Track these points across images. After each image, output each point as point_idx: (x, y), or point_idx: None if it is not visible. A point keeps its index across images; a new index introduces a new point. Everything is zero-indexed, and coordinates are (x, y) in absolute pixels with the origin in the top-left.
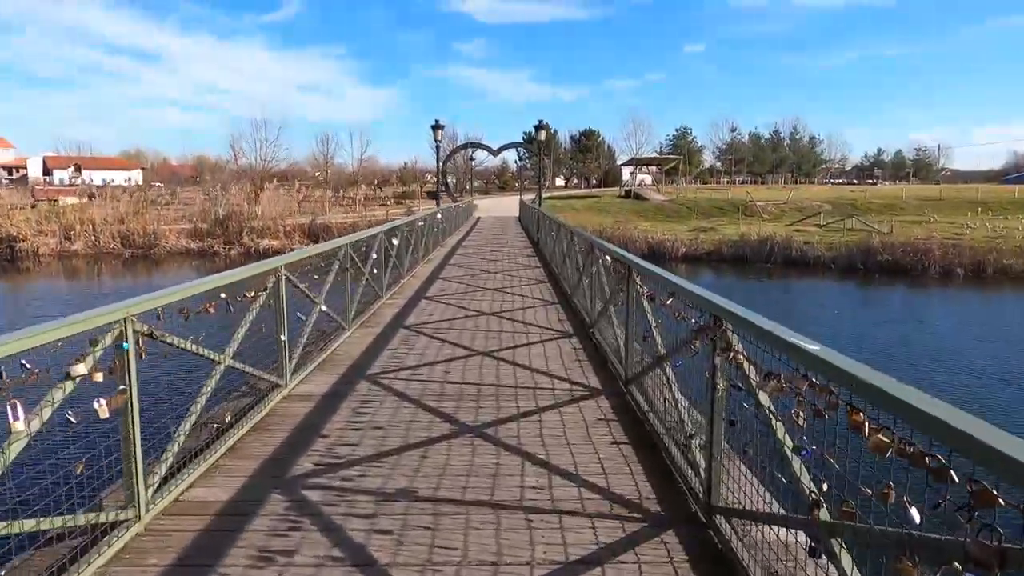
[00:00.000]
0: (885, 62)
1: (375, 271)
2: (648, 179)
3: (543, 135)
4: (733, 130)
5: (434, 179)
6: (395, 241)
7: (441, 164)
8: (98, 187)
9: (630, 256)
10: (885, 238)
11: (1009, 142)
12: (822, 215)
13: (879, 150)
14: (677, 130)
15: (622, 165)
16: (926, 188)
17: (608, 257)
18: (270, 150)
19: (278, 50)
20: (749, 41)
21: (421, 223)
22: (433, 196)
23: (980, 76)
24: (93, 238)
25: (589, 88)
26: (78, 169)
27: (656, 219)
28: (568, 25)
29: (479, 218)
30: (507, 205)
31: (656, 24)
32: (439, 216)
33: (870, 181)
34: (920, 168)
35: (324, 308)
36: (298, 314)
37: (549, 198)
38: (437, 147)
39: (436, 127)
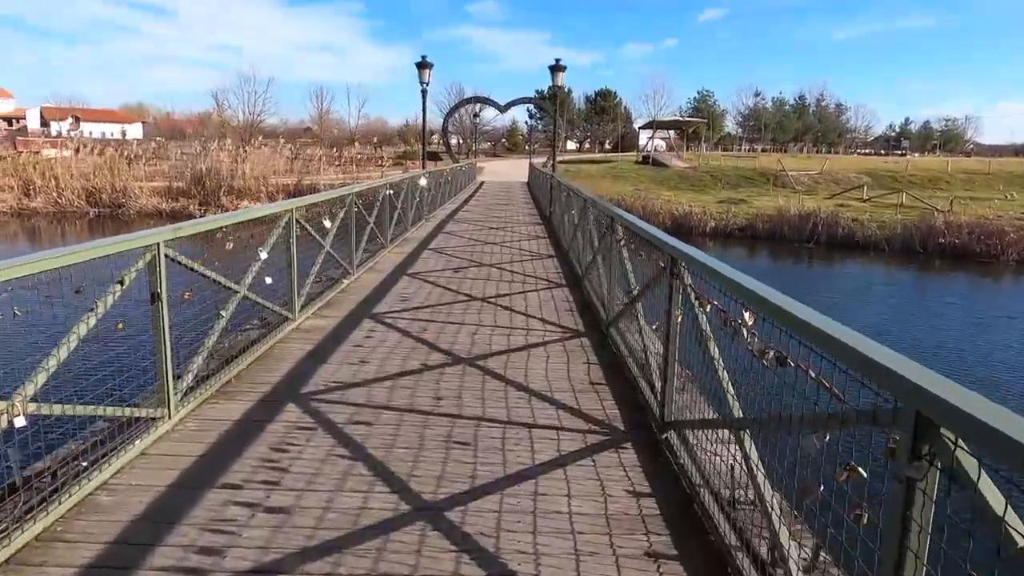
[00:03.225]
0: (901, 33)
1: (266, 281)
2: (662, 144)
3: (560, 78)
4: (757, 95)
5: (438, 139)
6: (327, 223)
7: (444, 120)
8: (91, 140)
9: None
10: (948, 217)
11: None
12: (865, 188)
13: (906, 120)
14: (699, 93)
15: (641, 128)
16: (971, 161)
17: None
18: (259, 104)
19: (289, 7)
20: (768, 9)
21: (391, 191)
22: (434, 157)
23: (999, 48)
24: (55, 195)
25: (603, 53)
26: (77, 121)
27: (679, 188)
28: None
29: (482, 183)
30: (516, 169)
31: None
32: (423, 182)
33: (898, 152)
34: (947, 140)
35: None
36: None
37: (561, 162)
38: (423, 92)
39: (422, 65)
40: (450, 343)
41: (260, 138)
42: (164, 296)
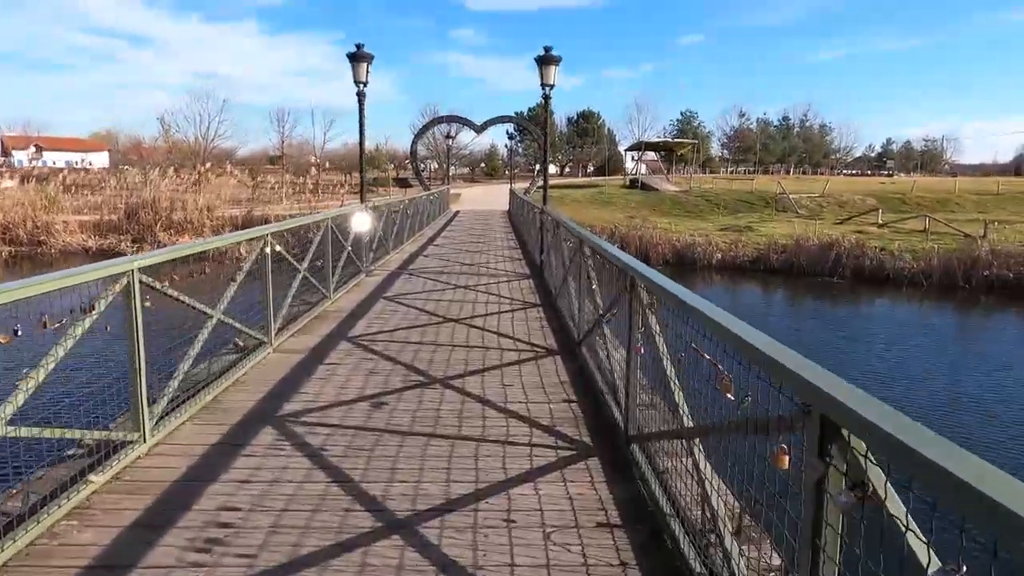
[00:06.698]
0: (878, 56)
1: None
2: (643, 168)
3: (552, 74)
4: (742, 115)
5: (407, 165)
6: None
7: (412, 143)
8: (47, 169)
9: None
10: (992, 245)
11: (1008, 135)
12: (880, 212)
13: (888, 140)
14: (683, 114)
15: (627, 150)
16: (978, 181)
17: None
18: (212, 127)
19: (271, 35)
20: (747, 32)
21: (276, 248)
22: (403, 183)
23: (969, 72)
24: None
25: (584, 78)
26: (39, 150)
27: (673, 214)
28: (559, 13)
29: (456, 212)
30: (495, 196)
31: (652, 13)
32: (363, 224)
33: (884, 172)
34: (928, 160)
35: None
36: None
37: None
38: (359, 94)
39: (357, 57)
40: None
41: (209, 164)
42: None
